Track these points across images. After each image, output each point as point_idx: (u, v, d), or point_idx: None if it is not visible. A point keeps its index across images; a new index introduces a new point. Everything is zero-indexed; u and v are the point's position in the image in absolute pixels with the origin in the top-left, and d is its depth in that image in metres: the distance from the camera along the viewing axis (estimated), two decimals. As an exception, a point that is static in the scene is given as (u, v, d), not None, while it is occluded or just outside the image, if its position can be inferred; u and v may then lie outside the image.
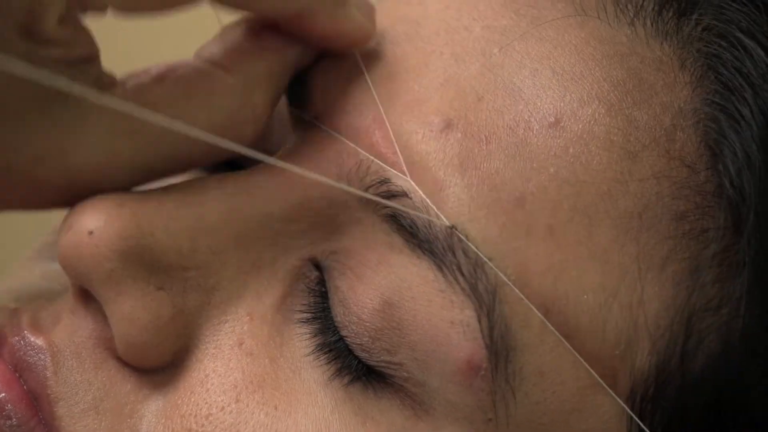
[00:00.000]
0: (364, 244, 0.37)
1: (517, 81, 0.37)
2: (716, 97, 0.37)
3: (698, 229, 0.37)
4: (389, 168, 0.37)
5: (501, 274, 0.35)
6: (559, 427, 0.36)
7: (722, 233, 0.37)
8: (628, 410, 0.36)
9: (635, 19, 0.38)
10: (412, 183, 0.36)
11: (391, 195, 0.37)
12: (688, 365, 0.37)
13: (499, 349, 0.35)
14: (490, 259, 0.36)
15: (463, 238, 0.36)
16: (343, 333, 0.37)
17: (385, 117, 0.38)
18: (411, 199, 0.36)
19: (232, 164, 0.43)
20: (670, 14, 0.38)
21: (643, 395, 0.37)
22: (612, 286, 0.36)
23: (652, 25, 0.38)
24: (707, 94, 0.37)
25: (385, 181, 0.37)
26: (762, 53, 0.37)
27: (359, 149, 0.37)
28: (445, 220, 0.36)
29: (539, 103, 0.37)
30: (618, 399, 0.36)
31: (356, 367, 0.37)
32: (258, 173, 0.39)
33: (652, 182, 0.36)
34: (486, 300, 0.35)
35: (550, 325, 0.36)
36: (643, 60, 0.38)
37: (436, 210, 0.36)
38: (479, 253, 0.36)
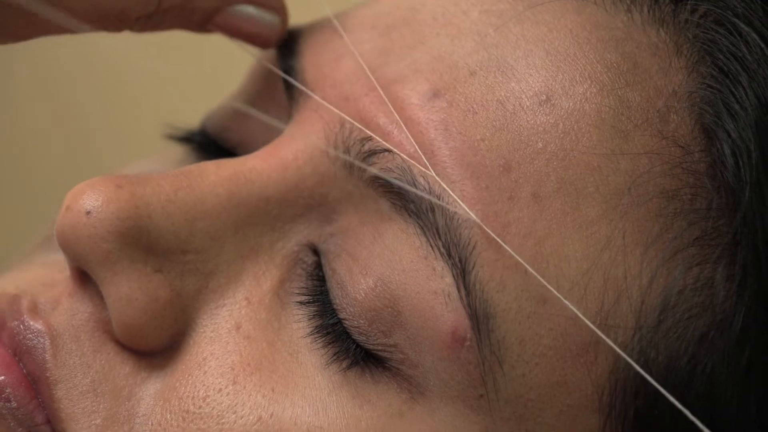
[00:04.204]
0: (358, 219, 0.38)
1: (510, 60, 0.38)
2: (711, 81, 0.37)
3: (689, 209, 0.37)
4: (376, 128, 0.38)
5: (477, 220, 0.36)
6: (547, 402, 0.36)
7: (715, 214, 0.37)
8: (630, 362, 0.36)
9: (632, 6, 0.39)
10: (390, 147, 0.37)
11: (373, 152, 0.37)
12: (674, 343, 0.37)
13: (480, 317, 0.36)
14: (468, 219, 0.36)
15: (442, 184, 0.36)
16: (341, 316, 0.37)
17: (369, 85, 0.38)
18: (394, 156, 0.37)
19: (229, 151, 0.43)
20: (667, 1, 0.39)
21: (626, 371, 0.37)
22: (596, 258, 0.36)
23: (648, 11, 0.39)
24: (702, 78, 0.38)
25: (367, 139, 0.37)
26: (757, 38, 0.38)
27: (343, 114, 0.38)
28: (432, 172, 0.36)
29: (531, 81, 0.37)
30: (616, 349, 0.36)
31: (354, 351, 0.37)
32: (254, 158, 0.39)
33: (643, 160, 0.37)
34: (460, 264, 0.36)
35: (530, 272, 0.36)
36: (638, 45, 0.38)
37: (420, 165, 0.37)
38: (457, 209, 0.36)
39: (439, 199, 0.36)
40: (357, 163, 0.37)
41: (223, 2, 0.41)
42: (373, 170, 0.37)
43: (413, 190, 0.36)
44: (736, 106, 0.37)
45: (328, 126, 0.39)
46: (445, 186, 0.36)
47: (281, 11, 0.42)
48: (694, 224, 0.37)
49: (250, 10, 0.41)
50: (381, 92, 0.38)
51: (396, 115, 0.37)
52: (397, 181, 0.37)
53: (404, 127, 0.37)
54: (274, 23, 0.41)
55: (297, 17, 0.45)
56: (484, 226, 0.36)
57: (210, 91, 0.51)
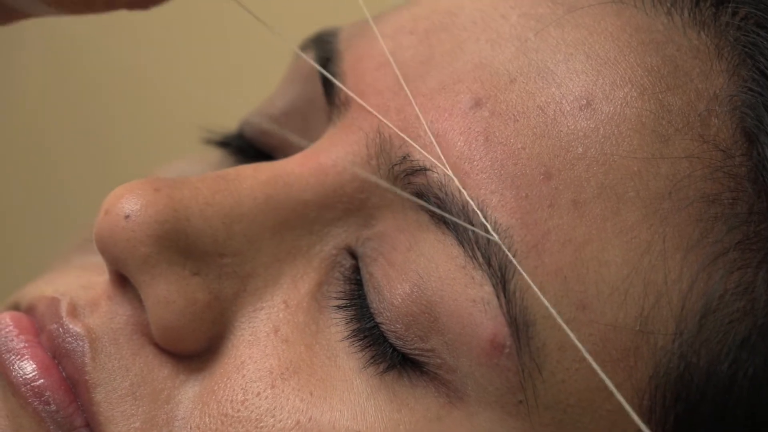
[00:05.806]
0: (396, 226, 0.38)
1: (551, 65, 0.38)
2: (753, 84, 0.37)
3: (730, 213, 0.36)
4: (411, 142, 0.37)
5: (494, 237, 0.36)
6: (586, 408, 0.36)
7: (756, 218, 0.36)
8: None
9: (672, 9, 0.39)
10: (430, 158, 0.37)
11: (413, 170, 0.37)
12: (715, 348, 0.36)
13: (520, 325, 0.36)
14: (508, 228, 0.36)
15: (473, 205, 0.36)
16: (378, 320, 0.37)
17: (411, 95, 0.38)
18: (432, 173, 0.37)
19: (266, 154, 0.43)
20: (708, 4, 0.39)
21: (666, 376, 0.36)
22: (636, 263, 0.36)
23: (689, 14, 0.38)
24: (744, 82, 0.37)
25: (407, 156, 0.37)
26: None
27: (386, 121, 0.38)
28: (465, 194, 0.36)
29: (571, 86, 0.37)
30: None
31: (390, 354, 0.37)
32: (292, 162, 0.39)
33: (684, 164, 0.36)
34: (500, 273, 0.36)
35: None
36: (679, 48, 0.38)
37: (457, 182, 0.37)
38: (486, 225, 0.36)
39: (479, 212, 0.36)
40: (399, 192, 0.37)
41: None
42: (405, 195, 0.37)
43: (451, 217, 0.36)
44: None
45: (368, 135, 0.39)
46: (476, 209, 0.36)
47: None
48: (735, 228, 0.36)
49: None
50: (419, 103, 0.38)
51: (437, 126, 0.37)
52: (438, 210, 0.37)
53: (444, 139, 0.37)
54: None
55: (335, 18, 0.45)
56: (523, 274, 0.36)
57: (247, 93, 0.51)
